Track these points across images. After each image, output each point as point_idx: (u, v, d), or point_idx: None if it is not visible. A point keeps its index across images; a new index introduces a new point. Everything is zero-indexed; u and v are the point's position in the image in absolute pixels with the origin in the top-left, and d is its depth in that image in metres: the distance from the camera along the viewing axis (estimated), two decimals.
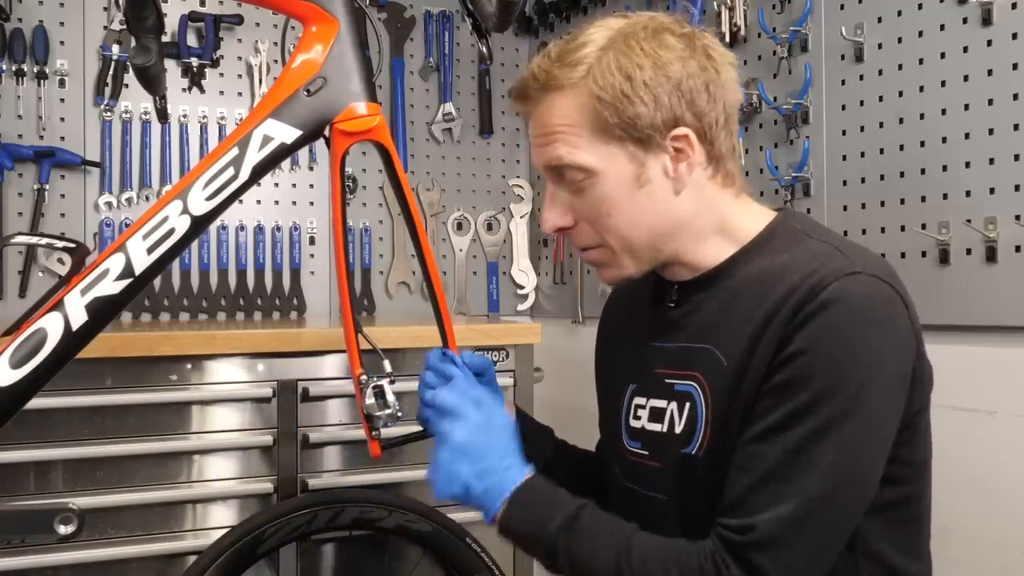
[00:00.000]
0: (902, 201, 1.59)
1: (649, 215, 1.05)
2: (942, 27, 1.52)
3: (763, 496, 0.95)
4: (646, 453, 1.11)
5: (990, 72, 1.45)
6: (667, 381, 1.09)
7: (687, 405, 1.05)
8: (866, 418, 0.94)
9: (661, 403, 1.09)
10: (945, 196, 1.51)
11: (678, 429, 1.06)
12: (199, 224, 1.01)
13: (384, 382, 1.14)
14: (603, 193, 1.04)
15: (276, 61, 2.39)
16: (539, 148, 1.08)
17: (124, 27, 2.22)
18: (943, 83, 1.52)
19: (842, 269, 0.97)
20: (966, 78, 1.49)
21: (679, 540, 0.99)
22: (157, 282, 2.24)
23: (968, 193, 1.48)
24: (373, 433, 1.15)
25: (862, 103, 1.66)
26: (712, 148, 1.05)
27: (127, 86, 2.25)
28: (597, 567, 0.99)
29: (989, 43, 1.45)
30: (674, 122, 1.03)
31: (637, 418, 1.14)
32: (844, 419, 0.93)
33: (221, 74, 2.37)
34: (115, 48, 2.24)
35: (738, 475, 0.98)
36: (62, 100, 2.22)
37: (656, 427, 1.10)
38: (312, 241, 2.44)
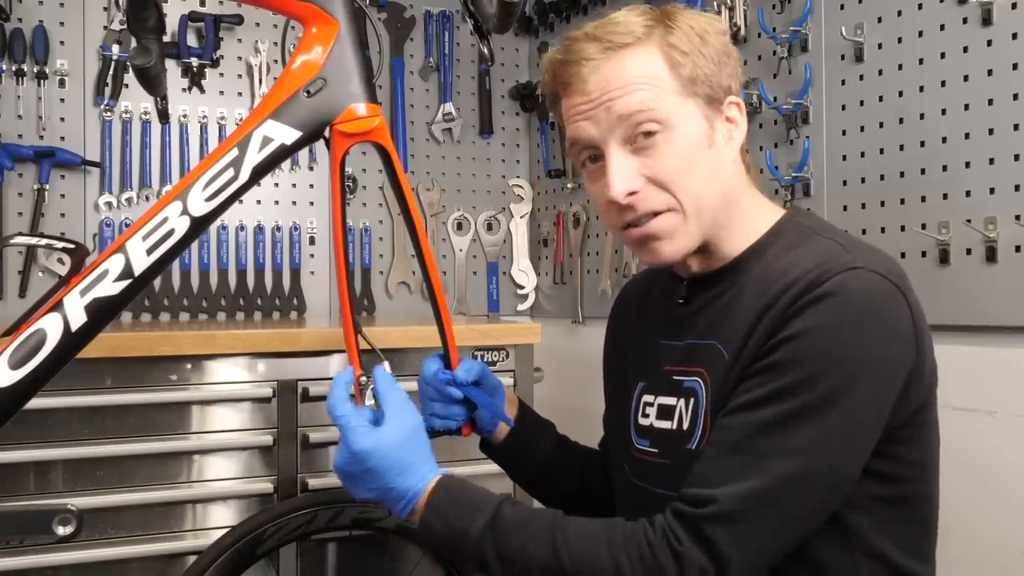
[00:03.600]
0: (902, 201, 1.58)
1: (718, 177, 1.06)
2: (942, 27, 1.52)
3: (725, 468, 0.94)
4: (655, 451, 1.11)
5: (990, 72, 1.45)
6: (675, 378, 1.09)
7: (692, 401, 1.05)
8: (846, 412, 0.93)
9: (670, 400, 1.09)
10: (945, 196, 1.51)
11: (685, 425, 1.06)
12: (199, 225, 1.00)
13: None
14: (680, 149, 1.03)
15: (276, 61, 2.39)
16: (608, 103, 1.03)
17: (124, 27, 2.23)
18: (943, 83, 1.52)
19: (844, 264, 0.97)
20: (966, 78, 1.48)
21: (617, 519, 0.98)
22: (157, 282, 2.24)
23: (968, 193, 1.48)
24: None
25: (862, 103, 1.66)
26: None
27: (127, 86, 2.25)
28: (531, 559, 0.96)
29: (989, 43, 1.45)
30: (729, 89, 1.06)
31: (645, 416, 1.14)
32: (823, 409, 0.92)
33: (221, 74, 2.37)
34: (115, 48, 2.25)
35: (707, 448, 0.98)
36: (62, 100, 2.22)
37: (665, 424, 1.10)
38: (312, 241, 2.45)
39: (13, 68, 2.15)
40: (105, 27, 2.25)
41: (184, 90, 2.33)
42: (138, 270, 0.98)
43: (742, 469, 0.93)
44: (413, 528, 1.54)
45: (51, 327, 0.96)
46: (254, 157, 1.01)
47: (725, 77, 1.06)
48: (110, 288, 0.97)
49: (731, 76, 1.07)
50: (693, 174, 1.03)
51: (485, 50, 1.28)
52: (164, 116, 2.28)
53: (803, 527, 0.96)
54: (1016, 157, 1.41)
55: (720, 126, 1.06)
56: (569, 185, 2.51)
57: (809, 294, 0.95)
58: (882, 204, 1.62)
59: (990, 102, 1.45)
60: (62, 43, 2.22)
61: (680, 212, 1.04)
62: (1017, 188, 1.41)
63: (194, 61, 2.32)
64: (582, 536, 0.96)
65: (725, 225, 1.08)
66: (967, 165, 1.48)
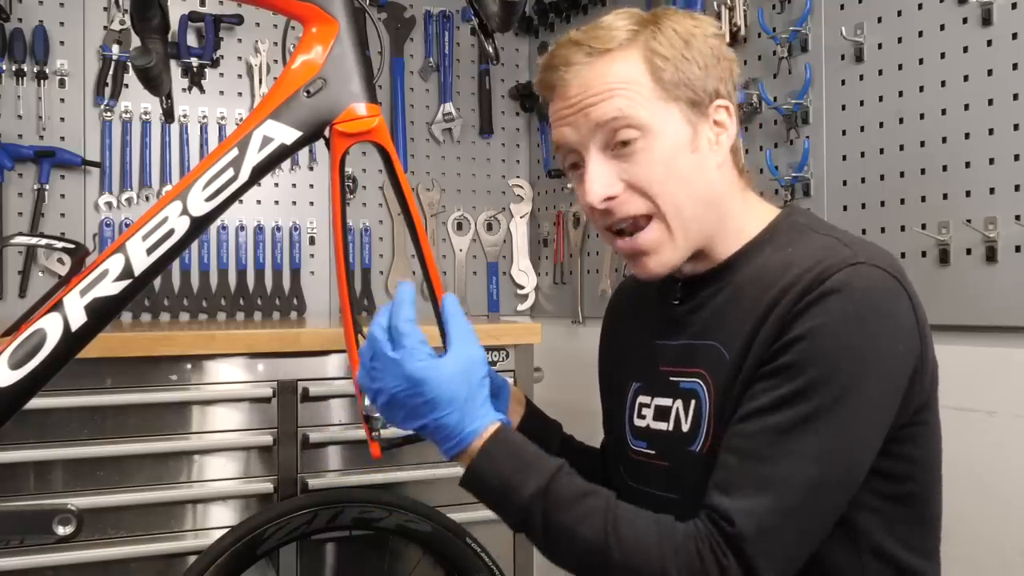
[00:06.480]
0: (902, 201, 1.58)
1: (700, 182, 1.05)
2: (942, 27, 1.52)
3: (749, 478, 0.93)
4: (653, 452, 1.11)
5: (990, 72, 1.45)
6: (672, 379, 1.08)
7: (692, 402, 1.05)
8: (858, 410, 0.93)
9: (666, 401, 1.09)
10: (945, 196, 1.51)
11: (685, 427, 1.05)
12: (199, 225, 1.01)
13: None
14: (660, 154, 1.02)
15: (276, 61, 2.39)
16: (586, 109, 1.03)
17: (124, 27, 2.23)
18: (943, 83, 1.52)
19: (846, 260, 0.96)
20: (966, 78, 1.48)
21: (664, 517, 0.96)
22: (157, 282, 2.24)
23: (968, 193, 1.48)
24: (373, 434, 1.15)
25: (862, 103, 1.66)
26: (735, 132, 1.08)
27: (127, 86, 2.25)
28: (580, 540, 0.94)
29: (989, 43, 1.45)
30: (716, 93, 1.05)
31: (642, 417, 1.13)
32: (835, 408, 0.92)
33: (221, 74, 2.37)
34: (115, 48, 2.25)
35: (725, 455, 0.97)
36: (62, 100, 2.22)
37: (662, 426, 1.09)
38: (312, 241, 2.44)
39: (13, 68, 2.15)
40: (105, 27, 2.25)
41: (184, 90, 2.33)
42: (138, 270, 0.98)
43: (765, 478, 0.93)
44: (413, 528, 1.56)
45: (51, 327, 0.96)
46: (254, 157, 1.01)
47: (713, 81, 1.04)
48: (110, 288, 0.98)
49: (721, 79, 1.05)
50: (673, 179, 1.03)
51: (489, 48, 1.28)
52: (170, 115, 2.28)
53: (824, 530, 0.96)
54: (1016, 157, 1.41)
55: (705, 131, 1.05)
56: (569, 185, 2.51)
57: (813, 292, 0.95)
58: (882, 204, 1.62)
59: (990, 102, 1.45)
60: (62, 43, 2.22)
61: (661, 219, 1.04)
62: (1017, 188, 1.41)
63: (194, 61, 2.32)
64: (635, 530, 0.94)
65: (714, 230, 1.07)
66: (967, 165, 1.48)
